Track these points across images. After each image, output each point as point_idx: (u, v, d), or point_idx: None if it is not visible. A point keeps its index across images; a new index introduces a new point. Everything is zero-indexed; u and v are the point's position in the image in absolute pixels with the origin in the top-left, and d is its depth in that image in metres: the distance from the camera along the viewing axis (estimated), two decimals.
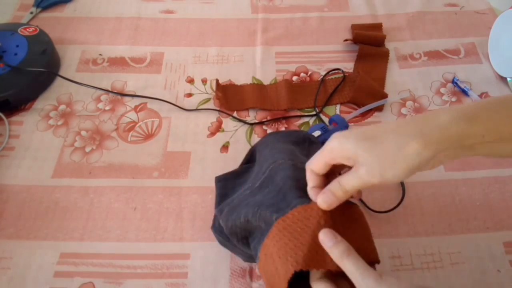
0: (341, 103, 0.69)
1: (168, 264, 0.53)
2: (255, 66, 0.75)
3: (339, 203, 0.36)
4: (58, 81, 0.72)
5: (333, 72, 0.73)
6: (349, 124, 0.65)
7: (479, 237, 0.55)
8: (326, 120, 0.66)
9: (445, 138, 0.31)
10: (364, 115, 0.68)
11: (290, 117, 0.67)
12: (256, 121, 0.67)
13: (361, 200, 0.57)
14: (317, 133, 0.61)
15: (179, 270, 0.52)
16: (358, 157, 0.33)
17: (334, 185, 0.36)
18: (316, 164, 0.37)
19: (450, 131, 0.31)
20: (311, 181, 0.39)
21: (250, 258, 0.49)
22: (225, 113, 0.68)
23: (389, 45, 0.77)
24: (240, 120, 0.67)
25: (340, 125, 0.63)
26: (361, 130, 0.34)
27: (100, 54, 0.76)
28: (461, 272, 0.52)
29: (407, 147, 0.31)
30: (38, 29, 0.75)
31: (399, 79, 0.73)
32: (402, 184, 0.59)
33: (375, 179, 0.33)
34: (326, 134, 0.61)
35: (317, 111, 0.68)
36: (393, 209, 0.56)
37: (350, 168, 0.35)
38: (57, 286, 0.51)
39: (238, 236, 0.45)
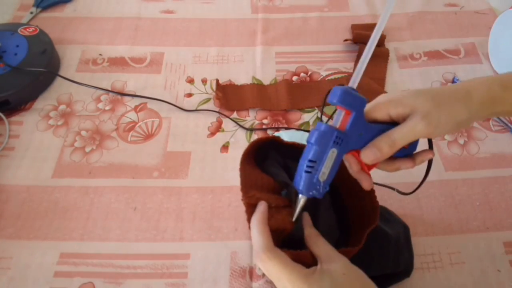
0: None
1: (168, 264, 0.53)
2: (255, 66, 0.75)
3: (384, 158, 0.37)
4: (58, 81, 0.72)
5: (333, 72, 0.74)
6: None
7: (479, 237, 0.55)
8: (326, 120, 0.66)
9: (485, 101, 0.37)
10: None
11: (290, 117, 0.67)
12: (253, 127, 0.66)
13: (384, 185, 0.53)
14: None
15: (179, 270, 0.52)
16: (418, 105, 0.36)
17: (380, 139, 0.36)
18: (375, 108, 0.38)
19: (490, 97, 0.37)
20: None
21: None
22: (223, 115, 0.68)
23: (389, 45, 0.77)
24: (237, 124, 0.66)
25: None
26: (418, 89, 0.38)
27: (100, 54, 0.76)
28: (461, 272, 0.52)
29: (460, 110, 0.36)
30: (38, 29, 0.75)
31: (399, 79, 0.73)
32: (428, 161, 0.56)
33: (428, 130, 0.35)
34: None
35: (317, 111, 0.68)
36: (417, 187, 0.54)
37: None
38: (57, 286, 0.51)
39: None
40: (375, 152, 0.36)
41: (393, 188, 0.51)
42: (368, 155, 0.36)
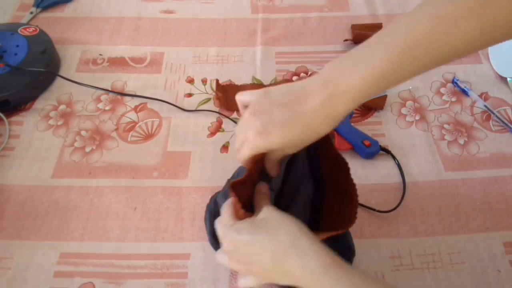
0: None
1: (168, 264, 0.53)
2: (255, 66, 0.75)
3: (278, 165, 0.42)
4: (58, 81, 0.72)
5: None
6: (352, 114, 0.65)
7: (479, 237, 0.55)
8: None
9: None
10: (364, 114, 0.68)
11: None
12: None
13: (360, 204, 0.56)
14: None
15: (179, 270, 0.52)
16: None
17: (267, 163, 0.42)
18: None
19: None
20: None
21: None
22: (223, 115, 0.68)
23: None
24: (237, 124, 0.66)
25: None
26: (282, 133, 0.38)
27: (100, 54, 0.76)
28: (461, 272, 0.52)
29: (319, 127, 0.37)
30: (38, 29, 0.75)
31: None
32: (403, 184, 0.59)
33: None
34: None
35: None
36: (393, 209, 0.56)
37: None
38: (57, 286, 0.51)
39: None
40: (270, 167, 0.42)
41: (373, 209, 0.56)
42: (272, 172, 0.42)
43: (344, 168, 0.41)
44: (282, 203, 0.43)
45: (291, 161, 0.44)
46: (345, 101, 0.36)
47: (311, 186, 0.44)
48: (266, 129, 0.37)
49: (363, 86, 0.35)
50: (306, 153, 0.44)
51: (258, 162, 0.40)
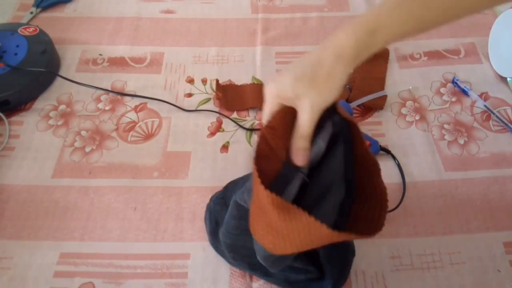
0: None
1: (168, 264, 0.53)
2: (255, 66, 0.75)
3: (308, 150, 0.39)
4: (58, 81, 0.72)
5: None
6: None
7: (479, 237, 0.55)
8: None
9: (357, 53, 0.38)
10: (364, 114, 0.68)
11: None
12: (253, 128, 0.67)
13: None
14: None
15: (179, 270, 0.52)
16: (300, 95, 0.38)
17: (295, 142, 0.39)
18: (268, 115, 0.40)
19: (359, 48, 0.38)
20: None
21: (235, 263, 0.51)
22: (223, 115, 0.68)
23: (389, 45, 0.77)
24: (237, 124, 0.66)
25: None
26: (293, 72, 0.39)
27: (100, 54, 0.76)
28: (461, 272, 0.52)
29: (334, 72, 0.38)
30: (38, 29, 0.75)
31: (399, 79, 0.73)
32: (403, 184, 0.59)
33: (321, 105, 0.38)
34: None
35: None
36: (393, 209, 0.56)
37: None
38: (57, 286, 0.51)
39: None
40: (300, 155, 0.39)
41: None
42: (300, 161, 0.39)
43: (375, 170, 0.40)
44: (312, 197, 0.40)
45: (324, 159, 0.42)
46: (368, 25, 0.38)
47: (343, 189, 0.42)
48: (294, 72, 0.39)
49: (375, 12, 0.38)
50: (343, 155, 0.42)
51: (284, 125, 0.39)
